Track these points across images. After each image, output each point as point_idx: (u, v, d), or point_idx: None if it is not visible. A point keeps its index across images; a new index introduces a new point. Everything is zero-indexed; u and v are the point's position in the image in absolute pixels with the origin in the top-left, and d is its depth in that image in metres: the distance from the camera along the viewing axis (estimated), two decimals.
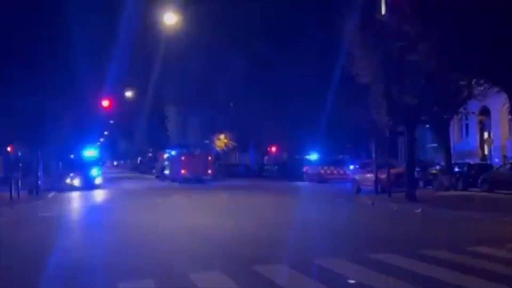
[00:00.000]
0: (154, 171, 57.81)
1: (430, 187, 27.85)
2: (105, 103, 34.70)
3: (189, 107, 50.38)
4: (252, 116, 46.09)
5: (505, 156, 31.80)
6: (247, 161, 58.90)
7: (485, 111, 33.99)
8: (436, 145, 30.94)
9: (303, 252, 10.31)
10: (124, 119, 64.12)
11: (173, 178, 45.44)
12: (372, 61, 20.87)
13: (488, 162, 32.22)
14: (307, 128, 43.53)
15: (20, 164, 29.57)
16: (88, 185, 35.97)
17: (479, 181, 25.71)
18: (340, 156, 42.26)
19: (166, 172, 50.62)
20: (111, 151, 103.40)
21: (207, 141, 52.75)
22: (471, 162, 31.09)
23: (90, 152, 42.30)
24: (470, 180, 26.74)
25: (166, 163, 53.57)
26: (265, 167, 55.37)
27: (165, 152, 55.55)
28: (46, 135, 29.57)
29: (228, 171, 52.92)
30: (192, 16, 35.11)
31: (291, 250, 10.73)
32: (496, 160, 32.29)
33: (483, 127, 35.18)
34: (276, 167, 51.61)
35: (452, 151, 31.56)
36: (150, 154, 73.50)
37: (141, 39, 39.09)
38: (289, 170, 47.02)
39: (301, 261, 9.30)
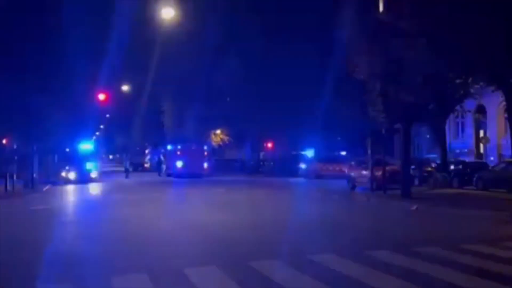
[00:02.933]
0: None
1: (426, 184, 27.89)
2: (101, 96, 34.52)
3: (185, 102, 50.26)
4: (249, 112, 46.08)
5: (500, 155, 31.90)
6: (243, 156, 58.90)
7: (481, 110, 34.09)
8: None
9: (298, 248, 10.32)
10: (120, 113, 63.86)
11: (169, 173, 45.45)
12: (369, 59, 20.86)
13: (484, 160, 32.31)
14: (303, 124, 43.56)
15: (16, 157, 29.51)
16: (84, 178, 35.92)
17: (475, 179, 25.78)
18: (336, 153, 42.31)
19: (146, 166, 52.56)
20: (107, 145, 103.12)
21: (203, 136, 52.75)
22: (467, 160, 31.19)
23: (85, 146, 42.26)
24: (466, 178, 26.79)
25: (148, 157, 55.92)
26: (262, 163, 55.39)
27: (146, 147, 57.90)
28: (42, 128, 29.48)
29: (224, 166, 52.92)
30: (189, 11, 35.01)
31: (286, 246, 10.73)
32: (492, 158, 32.40)
33: (479, 125, 35.28)
34: (272, 163, 51.65)
35: (448, 149, 31.66)
36: (146, 150, 73.68)
37: (138, 33, 38.93)
38: (285, 166, 47.03)
39: (296, 257, 9.30)
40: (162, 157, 52.44)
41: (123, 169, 48.95)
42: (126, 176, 43.71)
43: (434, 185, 27.09)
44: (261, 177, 43.17)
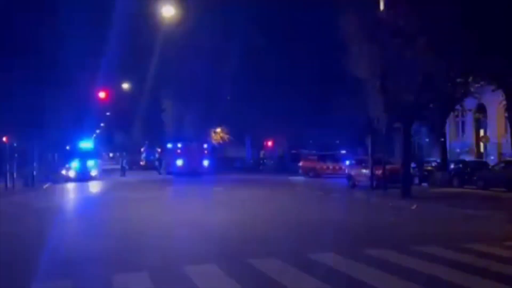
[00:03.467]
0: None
1: (426, 183, 27.89)
2: (102, 94, 34.49)
3: (186, 100, 50.28)
4: (249, 110, 46.04)
5: (501, 154, 31.86)
6: (243, 155, 58.90)
7: (481, 109, 34.04)
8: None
9: (297, 247, 10.32)
10: (121, 111, 63.86)
11: (169, 171, 45.48)
12: (369, 57, 20.84)
13: (484, 159, 32.27)
14: (303, 123, 43.56)
15: (16, 155, 29.52)
16: (84, 176, 35.94)
17: (475, 178, 25.75)
18: (336, 151, 42.29)
19: (142, 163, 53.98)
20: (107, 143, 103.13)
21: (203, 135, 52.76)
22: (467, 159, 31.17)
23: (86, 144, 42.27)
24: (466, 177, 26.77)
25: (143, 155, 61.51)
26: (262, 161, 55.38)
27: (142, 146, 60.12)
28: (43, 126, 29.52)
29: (224, 165, 52.91)
30: (190, 10, 34.97)
31: (285, 244, 10.75)
32: (492, 157, 32.36)
33: (479, 124, 35.23)
34: (272, 162, 51.62)
35: (448, 148, 31.63)
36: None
37: (139, 32, 38.94)
38: (285, 165, 47.02)
39: (295, 255, 9.31)
40: (159, 155, 52.73)
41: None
42: (123, 175, 43.58)
43: (434, 184, 27.08)
44: (260, 175, 43.14)
